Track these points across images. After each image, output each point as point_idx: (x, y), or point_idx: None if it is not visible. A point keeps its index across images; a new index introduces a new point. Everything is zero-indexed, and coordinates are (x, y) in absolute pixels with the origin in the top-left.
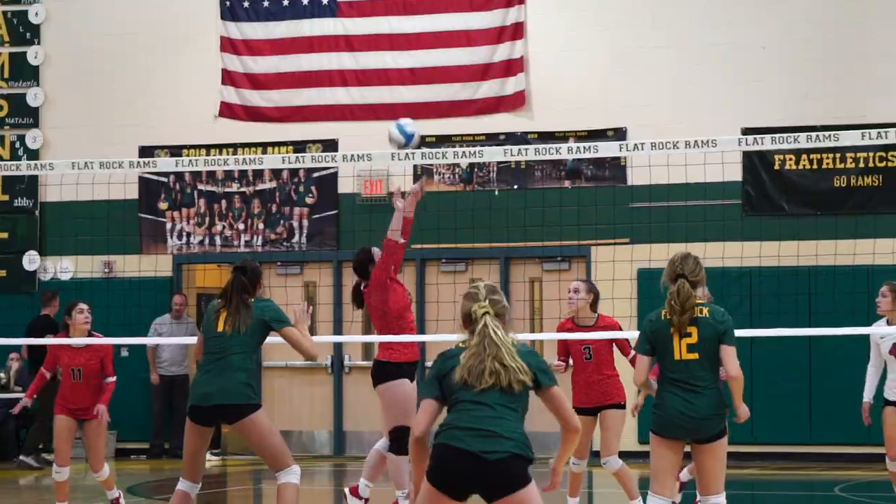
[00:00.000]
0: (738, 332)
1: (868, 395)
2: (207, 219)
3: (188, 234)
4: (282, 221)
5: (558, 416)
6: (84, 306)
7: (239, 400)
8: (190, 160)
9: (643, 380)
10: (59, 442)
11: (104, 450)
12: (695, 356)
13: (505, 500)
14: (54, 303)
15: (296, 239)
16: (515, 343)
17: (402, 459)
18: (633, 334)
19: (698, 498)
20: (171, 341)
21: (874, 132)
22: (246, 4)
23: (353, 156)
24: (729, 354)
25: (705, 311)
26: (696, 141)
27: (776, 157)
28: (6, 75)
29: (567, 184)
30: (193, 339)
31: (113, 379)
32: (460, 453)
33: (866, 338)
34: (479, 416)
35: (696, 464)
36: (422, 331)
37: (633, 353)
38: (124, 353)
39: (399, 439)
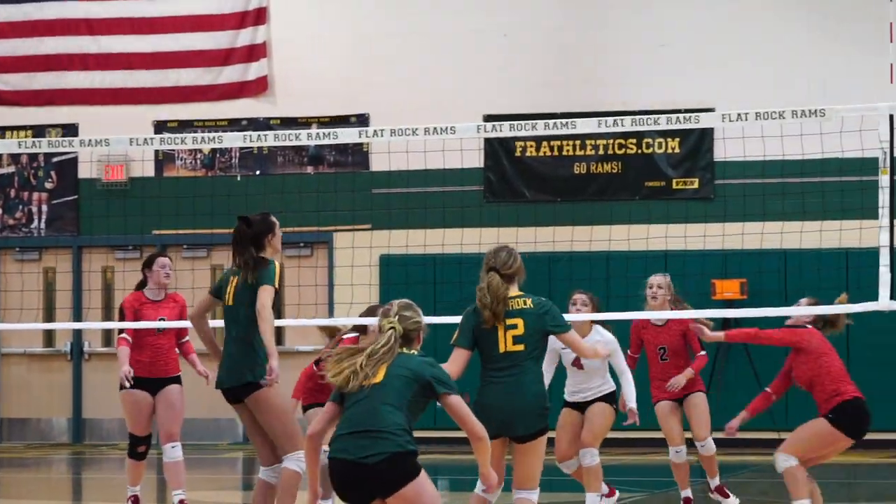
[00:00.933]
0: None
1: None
2: None
3: None
4: (20, 206)
5: (460, 424)
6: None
7: (234, 382)
8: None
9: (460, 373)
10: None
11: None
12: (521, 347)
13: (395, 496)
14: None
15: (35, 224)
16: (412, 355)
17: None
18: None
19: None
20: None
21: (610, 120)
22: None
23: (90, 140)
24: (572, 339)
25: (529, 302)
26: (434, 128)
27: (517, 144)
28: None
29: (309, 170)
30: None
31: None
32: (343, 464)
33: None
34: (359, 417)
35: (515, 461)
36: None
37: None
38: None
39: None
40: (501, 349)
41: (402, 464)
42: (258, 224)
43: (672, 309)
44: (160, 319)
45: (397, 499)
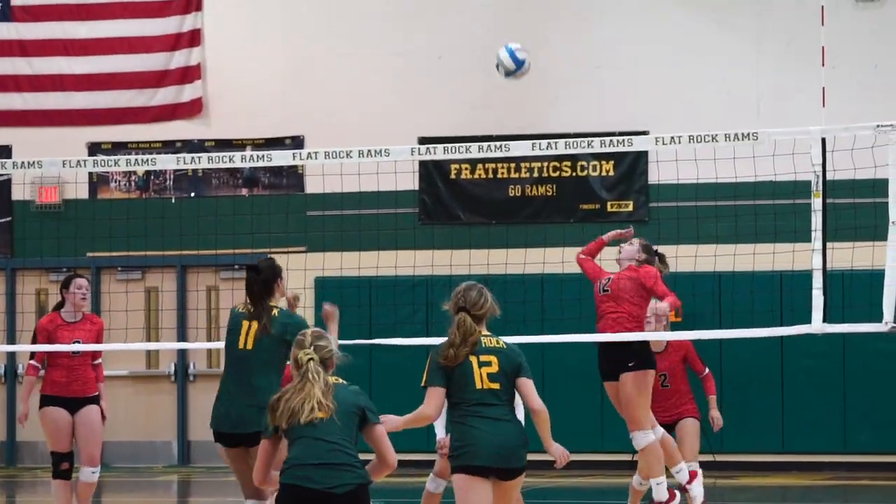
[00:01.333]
0: (407, 341)
1: (442, 430)
2: None
3: None
4: None
5: (378, 451)
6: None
7: (255, 428)
8: None
9: (438, 413)
10: None
11: None
12: (497, 386)
13: None
14: None
15: None
16: (342, 384)
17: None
18: None
19: None
20: None
21: (544, 143)
22: None
23: (23, 163)
24: (529, 387)
25: (501, 342)
26: (369, 150)
27: (452, 166)
28: None
29: (244, 192)
30: None
31: None
32: (308, 492)
33: (537, 347)
34: (320, 451)
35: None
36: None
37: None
38: None
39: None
40: (478, 385)
41: (364, 495)
42: (267, 270)
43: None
44: (75, 342)
45: None
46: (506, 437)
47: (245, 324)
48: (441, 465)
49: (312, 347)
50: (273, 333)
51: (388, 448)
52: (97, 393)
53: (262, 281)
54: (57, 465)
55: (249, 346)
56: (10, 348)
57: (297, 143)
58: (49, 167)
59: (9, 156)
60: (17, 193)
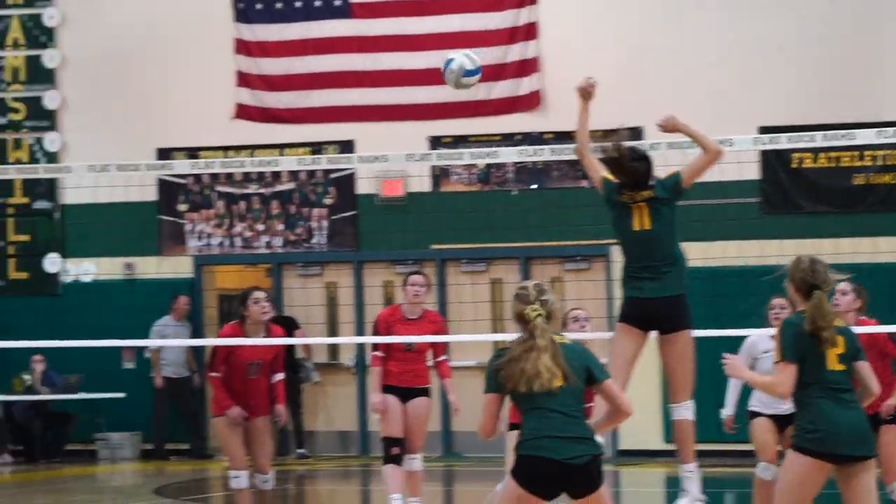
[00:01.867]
0: (755, 332)
1: (732, 408)
2: (227, 220)
3: (208, 236)
4: (301, 222)
5: (612, 404)
6: (261, 295)
7: (677, 292)
8: (206, 162)
9: (790, 392)
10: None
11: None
12: (843, 367)
13: (587, 498)
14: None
15: (315, 240)
16: (566, 342)
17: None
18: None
19: None
20: (186, 343)
21: (890, 130)
22: (259, 7)
23: (368, 157)
24: (868, 370)
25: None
26: None
27: (794, 155)
28: (23, 78)
29: (585, 183)
30: (198, 342)
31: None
32: (549, 463)
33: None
34: (556, 423)
35: (854, 491)
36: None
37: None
38: (147, 354)
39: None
40: (829, 366)
41: (599, 466)
42: (649, 158)
43: (858, 322)
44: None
45: (589, 499)
46: (861, 421)
47: (635, 208)
48: (769, 451)
49: (538, 303)
50: (666, 195)
51: (623, 398)
52: (428, 385)
53: (649, 167)
54: (388, 450)
55: (647, 227)
56: (357, 340)
57: (634, 134)
58: (393, 161)
59: (351, 150)
60: (362, 187)
